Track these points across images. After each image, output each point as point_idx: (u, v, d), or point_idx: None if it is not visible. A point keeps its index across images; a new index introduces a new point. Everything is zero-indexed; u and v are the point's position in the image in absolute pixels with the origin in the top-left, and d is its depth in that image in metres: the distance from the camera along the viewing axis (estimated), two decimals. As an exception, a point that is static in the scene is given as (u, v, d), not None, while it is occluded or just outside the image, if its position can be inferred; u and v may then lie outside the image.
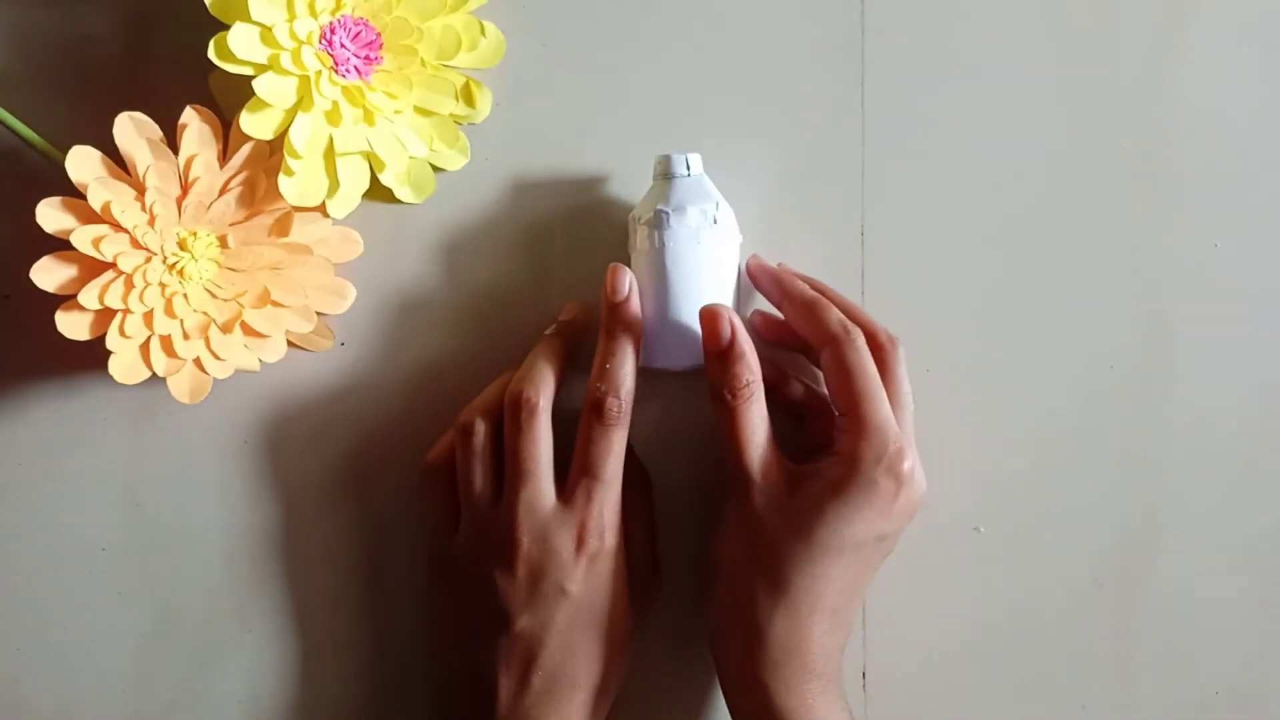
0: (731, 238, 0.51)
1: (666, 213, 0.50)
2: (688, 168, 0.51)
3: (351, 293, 0.53)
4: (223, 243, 0.50)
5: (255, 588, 0.54)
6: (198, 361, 0.50)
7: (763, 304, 0.53)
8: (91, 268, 0.48)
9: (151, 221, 0.49)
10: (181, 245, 0.49)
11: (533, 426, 0.49)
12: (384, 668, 0.54)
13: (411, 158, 0.52)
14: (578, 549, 0.48)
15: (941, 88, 0.54)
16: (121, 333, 0.48)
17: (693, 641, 0.54)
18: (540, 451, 0.49)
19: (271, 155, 0.50)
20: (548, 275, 0.54)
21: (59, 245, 0.48)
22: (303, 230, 0.51)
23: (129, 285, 0.48)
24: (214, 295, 0.50)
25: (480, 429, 0.50)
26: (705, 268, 0.50)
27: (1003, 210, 0.54)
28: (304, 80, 0.49)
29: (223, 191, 0.50)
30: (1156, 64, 0.55)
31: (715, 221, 0.50)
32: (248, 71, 0.48)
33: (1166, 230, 0.55)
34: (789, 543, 0.48)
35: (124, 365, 0.49)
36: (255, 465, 0.54)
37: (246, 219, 0.50)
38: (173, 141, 0.49)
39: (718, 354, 0.49)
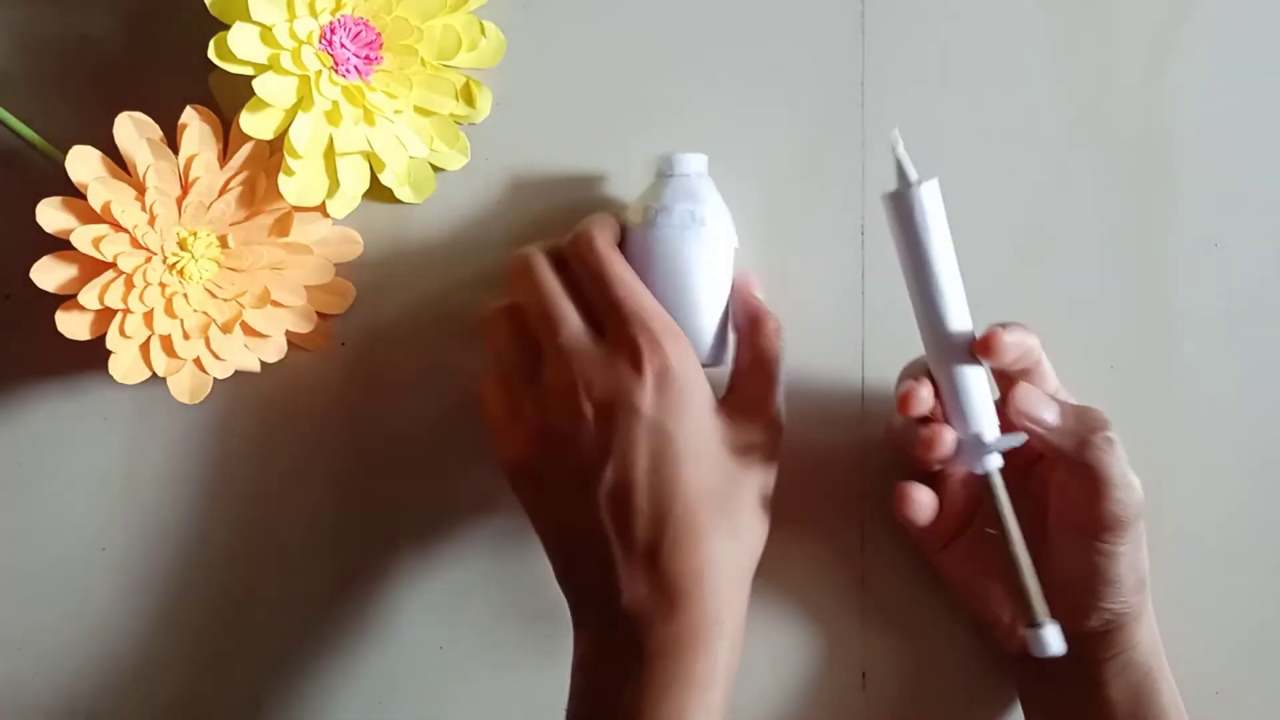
0: (720, 241, 0.50)
1: (653, 210, 0.50)
2: (681, 167, 0.50)
3: (351, 293, 0.53)
4: (223, 243, 0.50)
5: (255, 588, 0.54)
6: (198, 361, 0.50)
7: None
8: (91, 268, 0.48)
9: (152, 221, 0.49)
10: (182, 245, 0.49)
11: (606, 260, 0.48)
12: (385, 667, 0.54)
13: (411, 158, 0.52)
14: (636, 369, 0.46)
15: (941, 88, 0.54)
16: (121, 333, 0.48)
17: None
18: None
19: (271, 155, 0.50)
20: (548, 275, 0.54)
21: (59, 245, 0.48)
22: (303, 230, 0.51)
23: (129, 285, 0.48)
24: (214, 295, 0.50)
25: (544, 260, 0.49)
26: (689, 268, 0.49)
27: (1002, 210, 0.54)
28: (304, 80, 0.49)
29: (223, 191, 0.50)
30: (1156, 64, 0.55)
31: (703, 223, 0.49)
32: (248, 71, 0.48)
33: (1166, 230, 0.55)
34: None
35: (124, 365, 0.49)
36: (255, 465, 0.54)
37: (246, 219, 0.50)
38: (173, 141, 0.49)
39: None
